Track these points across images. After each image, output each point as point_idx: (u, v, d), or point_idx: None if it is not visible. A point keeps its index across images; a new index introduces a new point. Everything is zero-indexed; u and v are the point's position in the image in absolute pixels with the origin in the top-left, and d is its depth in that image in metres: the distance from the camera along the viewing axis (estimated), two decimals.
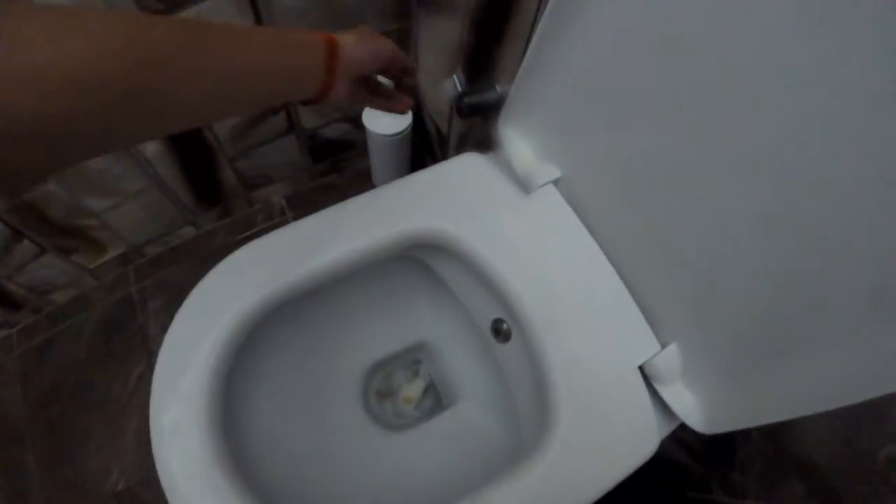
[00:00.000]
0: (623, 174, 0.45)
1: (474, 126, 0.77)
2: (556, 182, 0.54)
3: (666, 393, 0.46)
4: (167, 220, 0.99)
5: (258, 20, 0.71)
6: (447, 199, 0.54)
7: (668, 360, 0.46)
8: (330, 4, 0.74)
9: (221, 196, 1.01)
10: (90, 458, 0.89)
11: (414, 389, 0.72)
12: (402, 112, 0.49)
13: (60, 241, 0.90)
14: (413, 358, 0.75)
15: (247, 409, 0.53)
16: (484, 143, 0.73)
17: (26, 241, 0.86)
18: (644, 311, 0.49)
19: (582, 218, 0.53)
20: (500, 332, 0.56)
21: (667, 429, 0.47)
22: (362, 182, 1.09)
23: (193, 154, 0.87)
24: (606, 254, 0.51)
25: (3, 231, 0.82)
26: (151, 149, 0.82)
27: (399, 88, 0.49)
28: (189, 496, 0.41)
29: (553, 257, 0.51)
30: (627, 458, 0.45)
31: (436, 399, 0.73)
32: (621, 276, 0.50)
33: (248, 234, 1.07)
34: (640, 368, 0.47)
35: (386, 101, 0.47)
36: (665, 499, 0.66)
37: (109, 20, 0.23)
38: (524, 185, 0.54)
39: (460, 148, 0.86)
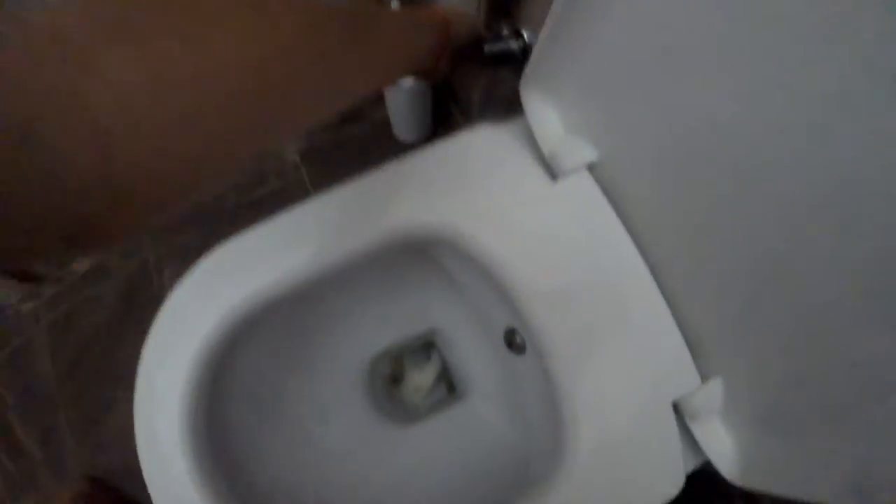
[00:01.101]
0: (683, 160, 0.35)
1: (502, 77, 0.67)
2: (590, 167, 0.45)
3: (699, 431, 0.40)
4: None
5: None
6: (453, 188, 0.46)
7: (709, 396, 0.40)
8: None
9: None
10: (119, 419, 0.93)
11: (425, 376, 0.67)
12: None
13: None
14: (425, 342, 0.70)
15: (235, 416, 0.51)
16: (515, 97, 0.64)
17: None
18: (686, 336, 0.41)
19: (619, 212, 0.44)
20: (513, 343, 0.49)
21: (692, 465, 0.41)
22: (382, 134, 1.01)
23: None
24: (648, 263, 0.43)
25: None
26: None
27: None
28: None
29: (582, 264, 0.44)
30: (649, 496, 0.40)
31: (448, 388, 0.69)
32: (663, 293, 0.42)
33: (260, 193, 1.03)
34: (674, 405, 0.41)
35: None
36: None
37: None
38: (551, 169, 0.45)
39: (486, 101, 0.76)
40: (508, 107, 0.49)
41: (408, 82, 0.77)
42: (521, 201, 0.45)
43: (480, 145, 0.48)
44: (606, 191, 0.44)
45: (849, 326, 0.27)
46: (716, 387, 0.40)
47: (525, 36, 0.54)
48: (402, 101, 0.84)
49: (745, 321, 0.35)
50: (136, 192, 0.16)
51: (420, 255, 0.55)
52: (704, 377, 0.41)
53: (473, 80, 0.75)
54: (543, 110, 0.46)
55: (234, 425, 0.50)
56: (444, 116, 0.93)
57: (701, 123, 0.32)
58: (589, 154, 0.44)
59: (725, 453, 0.39)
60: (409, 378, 0.67)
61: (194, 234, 1.03)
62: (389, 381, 0.67)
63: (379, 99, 0.95)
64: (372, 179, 0.47)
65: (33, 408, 1.04)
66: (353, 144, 1.02)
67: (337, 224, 0.46)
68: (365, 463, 0.60)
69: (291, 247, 0.45)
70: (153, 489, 0.41)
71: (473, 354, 0.64)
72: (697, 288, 0.40)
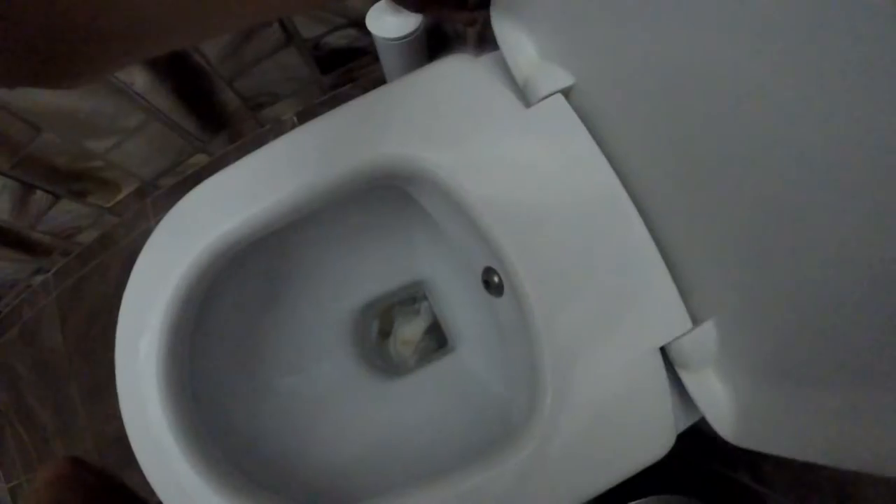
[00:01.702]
0: (662, 82, 0.31)
1: None
2: (566, 92, 0.41)
3: (690, 381, 0.36)
4: (175, 151, 0.97)
5: None
6: (425, 116, 0.43)
7: (701, 340, 0.35)
8: None
9: (227, 120, 0.96)
10: None
11: (413, 330, 0.66)
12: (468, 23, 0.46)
13: (72, 187, 0.92)
14: (413, 295, 0.68)
15: (215, 363, 0.50)
16: None
17: (39, 192, 0.89)
18: (675, 274, 0.37)
19: (599, 141, 0.40)
20: (490, 284, 0.46)
21: (684, 423, 0.38)
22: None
23: (186, 80, 0.81)
24: (630, 193, 0.39)
25: (14, 186, 0.85)
26: (140, 81, 0.77)
27: None
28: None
29: (559, 194, 0.40)
30: (633, 456, 0.37)
31: (438, 340, 0.67)
32: (648, 225, 0.38)
33: None
34: (662, 349, 0.37)
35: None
36: (689, 465, 0.58)
37: None
38: (525, 96, 0.42)
39: (480, 45, 0.72)
40: None
41: (395, 33, 0.74)
42: (493, 129, 0.42)
43: (452, 74, 0.45)
44: (583, 117, 0.40)
45: (867, 265, 0.23)
46: (709, 330, 0.35)
47: None
48: (395, 54, 0.80)
49: (741, 255, 0.31)
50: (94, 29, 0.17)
51: (400, 198, 0.52)
52: (696, 320, 0.37)
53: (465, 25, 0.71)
54: (515, 36, 0.42)
55: (214, 371, 0.50)
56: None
57: (685, 53, 0.28)
58: (563, 79, 0.40)
59: (720, 407, 0.35)
60: (398, 332, 0.65)
61: None
62: (378, 335, 0.66)
63: (374, 59, 0.92)
64: (342, 112, 0.45)
65: (45, 379, 1.07)
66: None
67: (307, 158, 0.44)
68: (351, 413, 0.58)
69: (263, 183, 0.44)
70: (132, 434, 0.41)
71: (460, 304, 0.62)
72: (686, 220, 0.35)
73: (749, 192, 0.28)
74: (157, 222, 1.06)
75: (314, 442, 0.54)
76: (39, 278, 1.10)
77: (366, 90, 0.98)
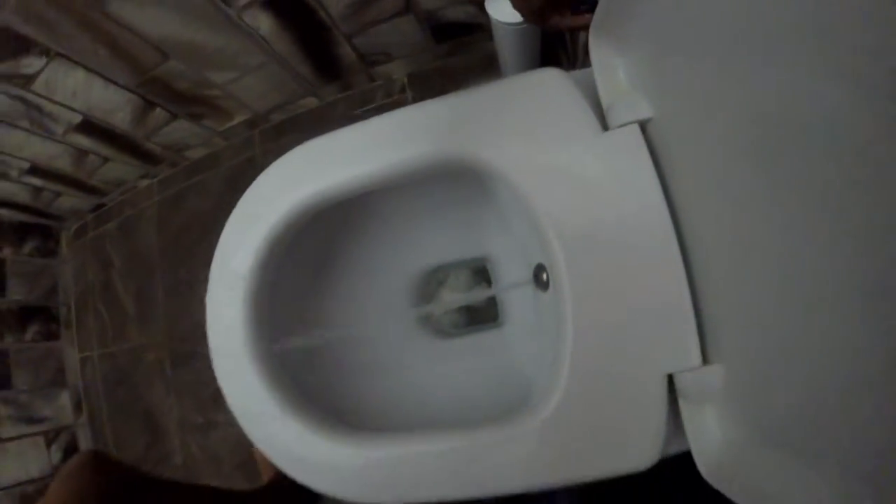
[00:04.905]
0: (739, 139, 0.34)
1: None
2: (643, 124, 0.47)
3: (687, 412, 0.43)
4: (289, 91, 1.12)
5: None
6: (511, 122, 0.51)
7: (707, 380, 0.42)
8: None
9: (341, 71, 1.09)
10: (204, 294, 1.15)
11: (454, 299, 0.79)
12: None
13: (189, 109, 1.10)
14: (477, 267, 0.81)
15: (293, 294, 0.64)
16: None
17: (158, 109, 1.08)
18: (700, 315, 0.43)
19: (663, 179, 0.46)
20: (539, 278, 0.56)
21: (676, 449, 0.44)
22: (489, 68, 1.07)
23: (308, 31, 0.94)
24: (678, 233, 0.45)
25: (137, 101, 1.04)
26: (265, 27, 0.90)
27: None
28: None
29: (613, 217, 0.47)
30: (618, 460, 0.44)
31: (490, 312, 0.80)
32: (687, 265, 0.44)
33: (367, 108, 1.17)
34: (670, 377, 0.43)
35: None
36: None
37: None
38: (605, 119, 0.48)
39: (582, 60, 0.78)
40: None
41: (511, 18, 0.80)
42: (570, 144, 0.49)
43: (541, 86, 0.52)
44: (654, 152, 0.46)
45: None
46: (716, 373, 0.41)
47: None
48: (511, 38, 0.87)
49: (765, 323, 0.36)
50: None
51: (478, 183, 0.63)
52: (707, 360, 0.43)
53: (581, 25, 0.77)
54: (609, 58, 0.48)
55: (285, 303, 0.63)
56: (551, 58, 0.96)
57: (787, 112, 0.28)
58: (644, 111, 0.46)
59: (707, 443, 0.42)
60: (440, 296, 0.79)
61: (300, 137, 1.18)
62: (430, 299, 0.80)
63: (488, 36, 0.99)
64: (442, 103, 0.54)
65: (134, 271, 1.29)
66: (459, 75, 1.10)
67: (404, 139, 0.54)
68: (395, 363, 0.72)
69: (364, 153, 0.55)
70: (213, 346, 0.56)
71: (513, 287, 0.74)
72: (725, 277, 0.41)
73: (793, 276, 0.31)
74: (262, 151, 1.24)
75: (359, 384, 0.68)
76: (145, 182, 1.31)
77: (477, 64, 1.08)
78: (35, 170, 1.21)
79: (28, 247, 1.41)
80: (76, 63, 0.92)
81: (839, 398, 0.29)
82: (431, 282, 0.81)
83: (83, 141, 1.15)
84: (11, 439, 1.26)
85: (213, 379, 0.55)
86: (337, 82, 1.12)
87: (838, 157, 0.25)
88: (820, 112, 0.25)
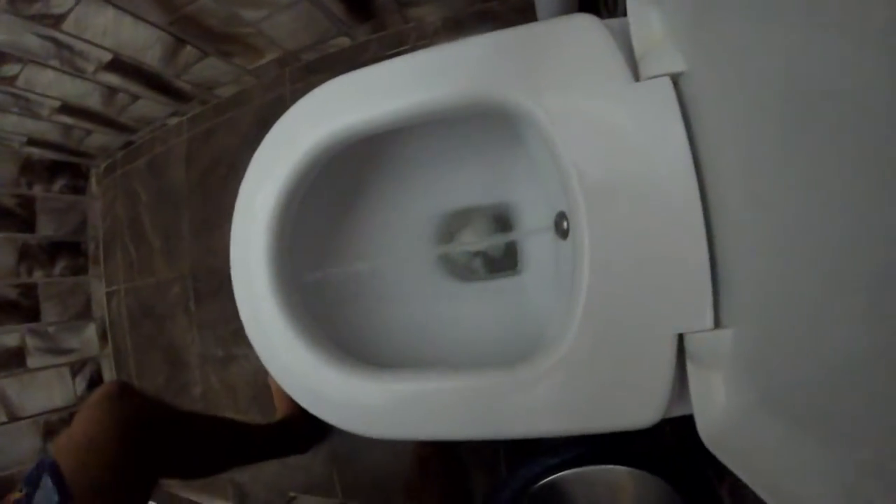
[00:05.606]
0: (771, 102, 0.32)
1: None
2: (675, 77, 0.46)
3: (693, 374, 0.43)
4: (321, 31, 1.12)
5: None
6: (542, 65, 0.51)
7: (715, 343, 0.42)
8: None
9: (374, 11, 1.08)
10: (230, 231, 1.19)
11: (472, 242, 0.81)
12: None
13: (220, 46, 1.11)
14: (499, 214, 0.82)
15: (315, 229, 0.67)
16: None
17: (189, 47, 1.09)
18: (715, 278, 0.43)
19: (691, 135, 0.45)
20: (559, 226, 0.58)
21: (679, 411, 0.45)
22: (525, 12, 1.04)
23: None
24: (702, 191, 0.44)
25: (168, 39, 1.06)
26: None
27: None
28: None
29: (638, 170, 0.46)
30: (621, 415, 0.45)
31: (511, 259, 0.82)
32: (708, 226, 0.44)
33: (399, 49, 1.16)
34: (680, 337, 0.44)
35: None
36: (683, 462, 0.64)
37: None
38: (637, 69, 0.48)
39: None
40: None
41: None
42: (600, 92, 0.48)
43: (575, 32, 0.51)
44: (683, 107, 0.45)
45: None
46: (727, 338, 0.41)
47: None
48: None
49: (783, 300, 0.35)
50: None
51: (507, 126, 0.64)
52: (719, 324, 0.43)
53: None
54: (646, 8, 0.47)
55: (308, 236, 0.65)
56: (589, 5, 0.93)
57: (821, 77, 0.27)
58: (677, 63, 0.45)
59: (709, 407, 0.42)
60: (459, 238, 0.81)
61: (330, 77, 1.19)
62: (454, 242, 0.83)
63: None
64: (474, 42, 0.54)
65: (162, 207, 1.33)
66: (494, 20, 1.08)
67: (433, 78, 0.54)
68: (414, 301, 0.76)
69: (392, 90, 0.55)
70: (236, 277, 0.59)
71: (534, 235, 0.76)
72: (745, 242, 0.40)
73: (815, 246, 0.30)
74: (292, 90, 1.25)
75: (379, 317, 0.71)
76: (175, 120, 1.33)
77: (512, 9, 1.06)
78: (66, 108, 1.24)
79: (58, 184, 1.46)
80: (106, 1, 0.93)
81: (851, 373, 0.28)
82: (453, 224, 0.82)
83: (113, 79, 1.17)
84: (38, 370, 1.34)
85: (235, 315, 0.58)
86: (370, 22, 1.11)
87: (872, 126, 0.24)
88: (856, 80, 0.25)
